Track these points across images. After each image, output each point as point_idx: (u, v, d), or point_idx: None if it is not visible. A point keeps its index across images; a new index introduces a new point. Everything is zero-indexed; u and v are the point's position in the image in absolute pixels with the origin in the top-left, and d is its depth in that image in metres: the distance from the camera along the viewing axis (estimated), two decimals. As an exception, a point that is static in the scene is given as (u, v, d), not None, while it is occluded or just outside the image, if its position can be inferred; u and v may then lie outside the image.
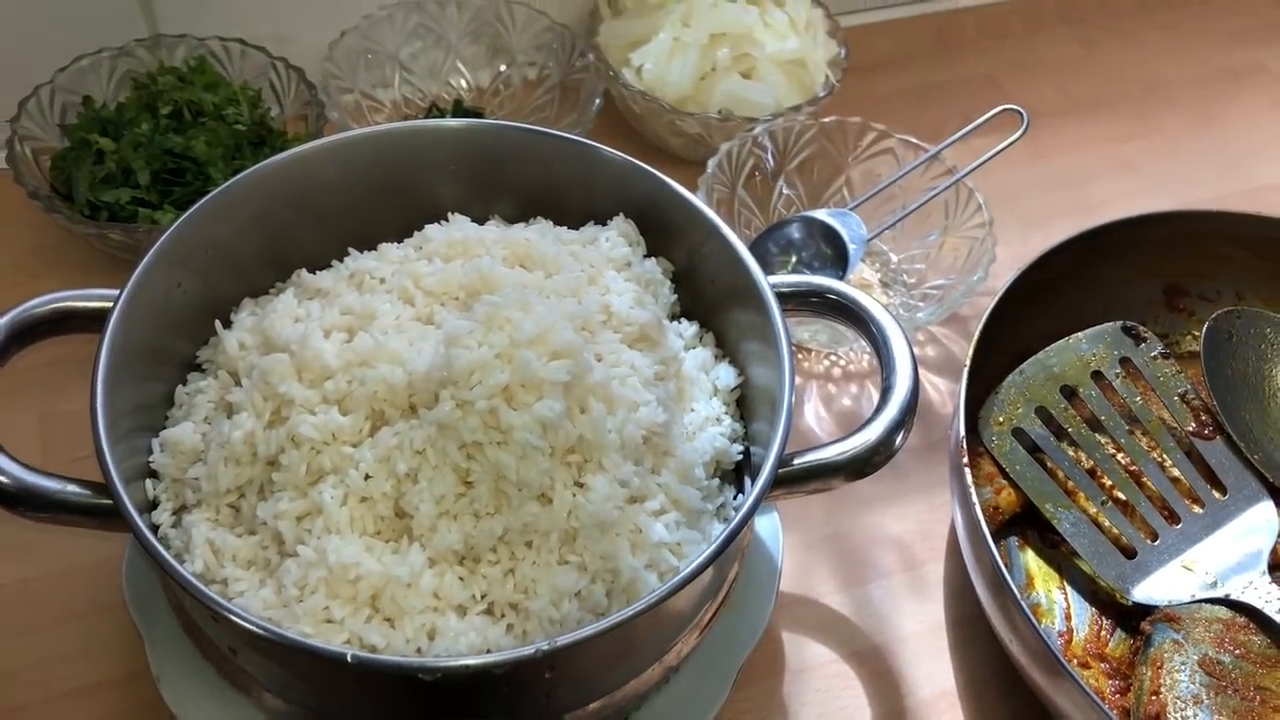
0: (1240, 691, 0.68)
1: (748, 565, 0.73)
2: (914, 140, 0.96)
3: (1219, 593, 0.73)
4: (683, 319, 0.75)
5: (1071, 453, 0.78)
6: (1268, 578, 0.73)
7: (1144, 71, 1.22)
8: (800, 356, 0.93)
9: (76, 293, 0.65)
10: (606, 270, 0.72)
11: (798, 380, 0.91)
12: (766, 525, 0.76)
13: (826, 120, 0.98)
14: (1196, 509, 0.77)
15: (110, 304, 0.64)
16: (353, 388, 0.62)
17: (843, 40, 1.07)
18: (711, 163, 0.94)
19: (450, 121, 0.75)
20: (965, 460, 0.72)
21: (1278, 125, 1.18)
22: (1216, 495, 0.78)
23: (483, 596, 0.60)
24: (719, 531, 0.61)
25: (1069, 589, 0.76)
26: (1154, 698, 0.68)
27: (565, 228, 0.76)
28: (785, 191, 0.99)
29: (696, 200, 0.72)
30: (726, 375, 0.72)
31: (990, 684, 0.76)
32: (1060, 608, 0.76)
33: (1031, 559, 0.78)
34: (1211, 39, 1.27)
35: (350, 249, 0.73)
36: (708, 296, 0.74)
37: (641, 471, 0.64)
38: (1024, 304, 0.81)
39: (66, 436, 0.82)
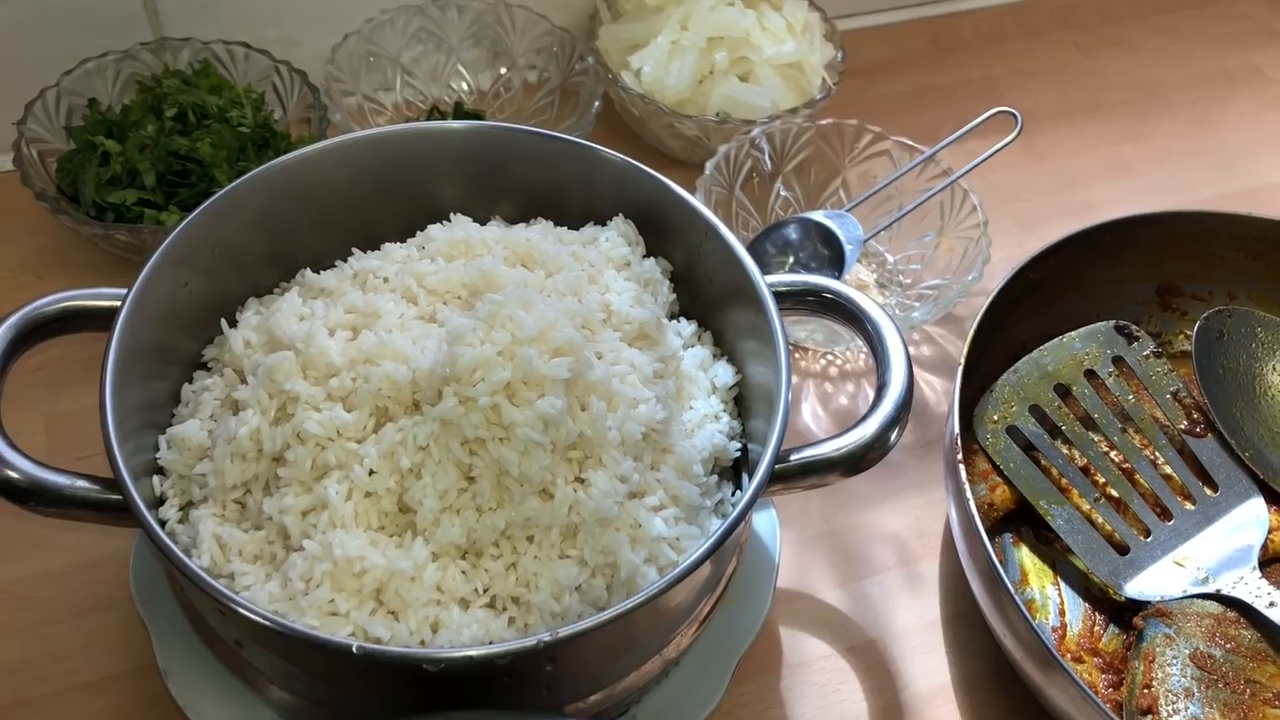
0: (1231, 685, 0.69)
1: (746, 561, 0.74)
2: (910, 142, 0.97)
3: (1210, 588, 0.74)
4: (681, 318, 0.76)
5: (1065, 450, 0.79)
6: (1258, 573, 0.74)
7: (1139, 75, 1.23)
8: (797, 355, 0.94)
9: (85, 292, 0.66)
10: (606, 270, 0.73)
11: (794, 379, 0.92)
12: (764, 522, 0.77)
13: (823, 123, 0.99)
14: (1188, 505, 0.78)
15: (118, 303, 0.64)
16: (357, 385, 0.63)
17: (839, 44, 1.08)
18: (710, 164, 0.94)
19: (455, 124, 0.76)
20: (960, 458, 0.73)
21: (1272, 127, 1.19)
22: (1208, 492, 0.79)
23: (485, 590, 0.61)
24: (717, 526, 0.62)
25: (1063, 585, 0.77)
26: (1146, 691, 0.69)
27: (566, 228, 0.77)
28: (782, 193, 1.00)
29: (695, 201, 0.73)
30: (724, 373, 0.73)
31: (985, 678, 0.77)
32: (1054, 603, 0.77)
33: (1026, 555, 0.79)
34: (1206, 42, 1.28)
35: (354, 249, 0.74)
36: (706, 296, 0.75)
37: (641, 467, 0.65)
38: (1018, 304, 0.82)
39: (72, 436, 0.83)
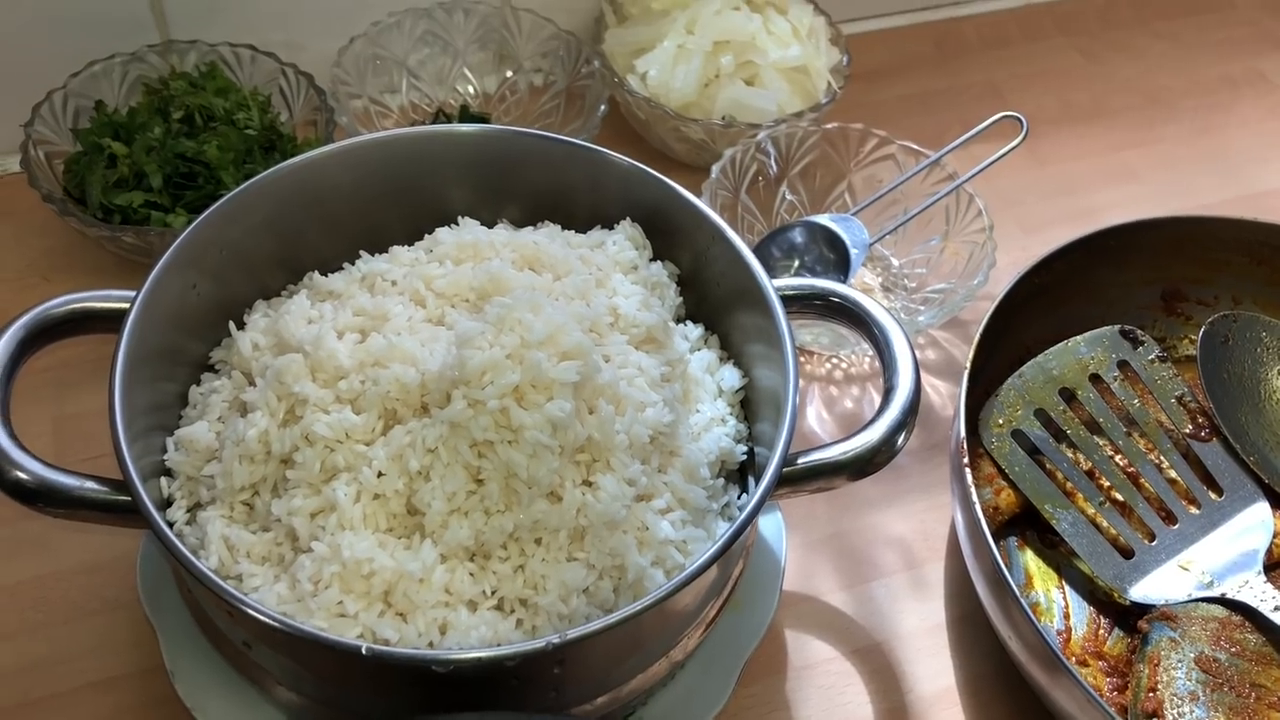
0: (1236, 688, 0.69)
1: (752, 564, 0.74)
2: (915, 146, 0.97)
3: (1215, 592, 0.74)
4: (688, 321, 0.77)
5: (1070, 454, 0.79)
6: (1263, 577, 0.74)
7: (1143, 80, 1.23)
8: (803, 359, 0.94)
9: (94, 294, 0.66)
10: (614, 273, 0.73)
11: (801, 382, 0.92)
12: (770, 525, 0.77)
13: (829, 127, 0.99)
14: (1193, 509, 0.78)
15: (127, 305, 0.65)
16: (366, 387, 0.63)
17: (845, 48, 1.08)
18: (715, 168, 0.95)
19: (463, 127, 0.76)
20: (966, 461, 0.73)
21: (1276, 133, 1.19)
22: (1213, 496, 0.79)
23: (493, 592, 0.61)
24: (724, 530, 0.62)
25: (1067, 588, 0.78)
26: (1151, 695, 0.69)
27: (573, 231, 0.77)
28: (788, 197, 1.00)
29: (702, 205, 0.74)
30: (731, 377, 0.73)
31: (990, 681, 0.77)
32: (1059, 607, 0.77)
33: (1031, 559, 0.79)
34: (1210, 48, 1.28)
35: (362, 251, 0.74)
36: (713, 299, 0.76)
37: (648, 471, 0.65)
38: (1023, 308, 0.82)
39: (79, 437, 0.83)
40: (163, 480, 0.66)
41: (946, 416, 0.92)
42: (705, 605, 0.67)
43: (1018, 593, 0.67)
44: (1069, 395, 0.81)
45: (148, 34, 0.99)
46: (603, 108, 1.00)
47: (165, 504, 0.65)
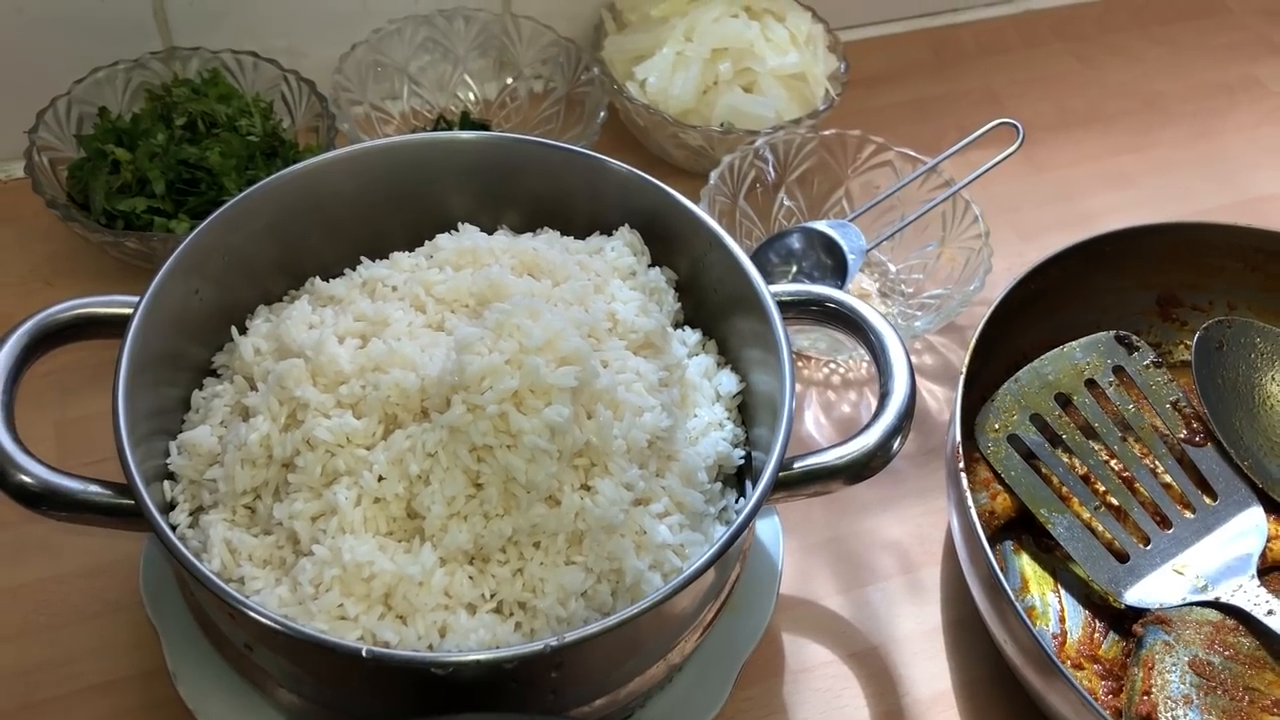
0: (1229, 692, 0.70)
1: (749, 567, 0.75)
2: (912, 153, 0.97)
3: (1209, 596, 0.74)
4: (686, 327, 0.77)
5: (1066, 459, 0.80)
6: (1256, 581, 0.75)
7: (1139, 86, 1.24)
8: (800, 364, 0.95)
9: (98, 299, 0.67)
10: (612, 279, 0.73)
11: (798, 387, 0.93)
12: (768, 529, 0.77)
13: (826, 133, 0.99)
14: (1187, 514, 0.79)
15: (131, 310, 0.65)
16: (366, 392, 0.63)
17: (842, 55, 1.09)
18: (714, 174, 0.95)
19: (464, 134, 0.77)
20: (961, 466, 0.73)
21: (1271, 138, 1.20)
22: (1207, 501, 0.79)
23: (492, 595, 0.62)
24: (721, 533, 0.63)
25: (1063, 592, 0.78)
26: (1145, 698, 0.70)
27: (572, 237, 0.77)
28: (786, 203, 1.01)
29: (699, 211, 0.74)
30: (728, 381, 0.74)
31: (986, 685, 0.78)
32: (1054, 610, 0.77)
33: (1026, 563, 0.79)
34: (1206, 54, 1.28)
35: (363, 257, 0.75)
36: (710, 305, 0.76)
37: (646, 475, 0.66)
38: (1020, 313, 0.83)
39: (83, 441, 0.84)
40: (165, 484, 0.66)
41: (943, 421, 0.92)
42: (703, 608, 0.68)
43: (1013, 597, 0.68)
44: (1064, 400, 0.81)
45: (151, 41, 1.00)
46: (602, 114, 1.01)
47: (168, 507, 0.66)
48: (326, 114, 0.96)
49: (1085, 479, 0.79)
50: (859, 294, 0.98)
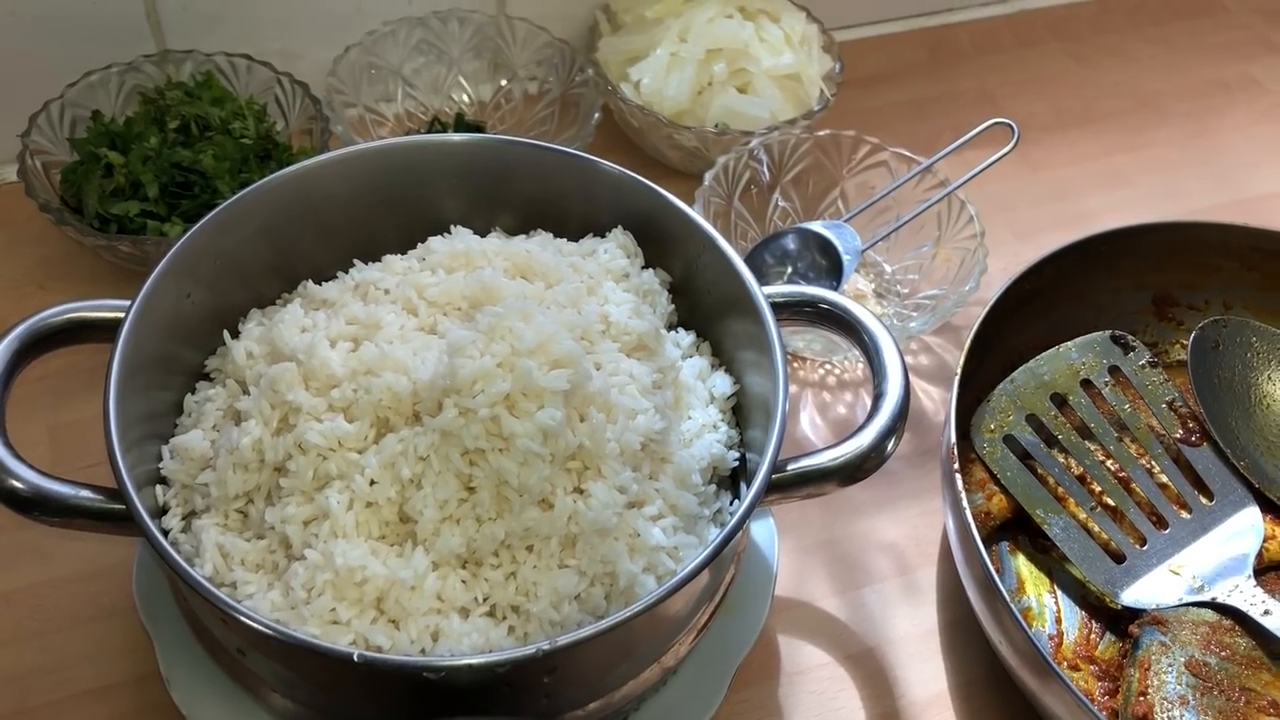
0: (1226, 692, 0.70)
1: (744, 569, 0.74)
2: (907, 153, 0.97)
3: (1205, 596, 0.74)
4: (680, 328, 0.77)
5: (1061, 459, 0.80)
6: (1252, 581, 0.74)
7: (1135, 85, 1.24)
8: (795, 365, 0.95)
9: (89, 303, 0.67)
10: (605, 281, 0.73)
11: (792, 388, 0.93)
12: (763, 531, 0.77)
13: (821, 134, 0.99)
14: (1184, 514, 0.78)
15: (122, 314, 0.65)
16: (358, 396, 0.63)
17: (837, 55, 1.09)
18: (708, 175, 0.95)
19: (455, 137, 0.77)
20: (957, 467, 0.73)
21: (1267, 137, 1.20)
22: (1203, 501, 0.79)
23: (485, 599, 0.62)
24: (715, 535, 0.63)
25: (1059, 593, 0.78)
26: (1141, 699, 0.70)
27: (565, 240, 0.77)
28: (781, 204, 1.01)
29: (693, 213, 0.74)
30: (722, 383, 0.73)
31: (982, 686, 0.78)
32: (1050, 611, 0.77)
33: (1022, 564, 0.79)
34: (1202, 53, 1.28)
35: (355, 260, 0.75)
36: (704, 306, 0.76)
37: (640, 477, 0.66)
38: (1015, 313, 0.82)
39: (75, 446, 0.84)
40: (158, 488, 0.66)
41: (938, 422, 0.92)
42: (697, 611, 0.68)
43: (1008, 598, 0.68)
44: (1060, 400, 0.81)
45: (144, 44, 0.99)
46: (597, 115, 1.00)
47: (160, 512, 0.66)
48: (320, 117, 0.96)
49: (1081, 479, 0.79)
50: (855, 294, 0.98)
